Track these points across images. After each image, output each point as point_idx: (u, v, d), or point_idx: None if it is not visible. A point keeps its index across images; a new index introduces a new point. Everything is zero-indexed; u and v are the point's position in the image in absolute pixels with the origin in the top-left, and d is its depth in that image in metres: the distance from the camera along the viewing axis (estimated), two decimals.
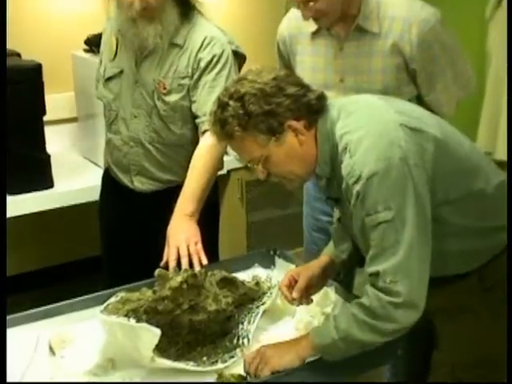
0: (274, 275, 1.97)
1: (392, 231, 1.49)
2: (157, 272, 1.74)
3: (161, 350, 1.63)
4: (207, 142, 2.06)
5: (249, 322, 1.75)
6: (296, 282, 1.82)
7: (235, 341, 1.71)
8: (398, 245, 1.49)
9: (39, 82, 2.61)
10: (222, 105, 1.59)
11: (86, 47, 3.00)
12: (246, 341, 1.70)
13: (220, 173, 2.26)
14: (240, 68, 2.22)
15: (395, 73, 2.09)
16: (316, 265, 1.87)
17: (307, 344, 1.61)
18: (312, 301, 1.83)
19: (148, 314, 1.65)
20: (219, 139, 1.65)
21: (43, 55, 2.81)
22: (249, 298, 1.82)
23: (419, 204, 1.50)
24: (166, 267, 1.87)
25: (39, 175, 2.70)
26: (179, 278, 1.67)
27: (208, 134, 2.02)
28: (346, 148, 1.55)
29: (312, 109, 1.61)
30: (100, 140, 2.57)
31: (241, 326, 1.75)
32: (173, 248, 1.92)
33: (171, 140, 2.18)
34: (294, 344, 1.64)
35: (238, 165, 2.98)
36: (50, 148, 2.75)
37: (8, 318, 1.68)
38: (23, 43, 2.92)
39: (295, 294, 1.80)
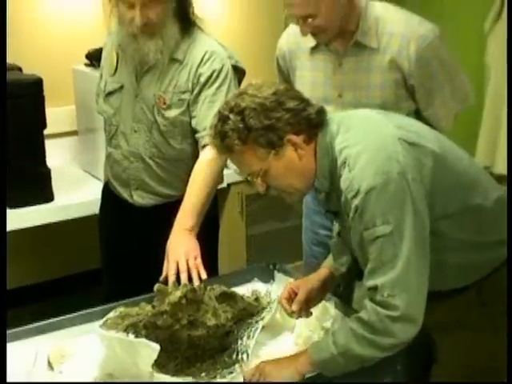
0: (274, 290, 1.98)
1: (390, 245, 1.50)
2: (156, 287, 1.74)
3: (160, 365, 1.63)
4: (207, 157, 2.07)
5: (248, 337, 1.75)
6: (295, 294, 1.83)
7: (234, 356, 1.71)
8: (395, 259, 1.49)
9: (40, 96, 2.63)
10: (222, 118, 1.61)
11: (86, 61, 3.02)
12: (245, 356, 1.70)
13: (220, 186, 2.26)
14: (240, 82, 2.23)
15: (394, 88, 2.10)
16: (315, 278, 1.88)
17: (306, 359, 1.61)
18: (311, 313, 1.84)
19: (147, 329, 1.65)
20: (219, 152, 1.67)
21: (44, 69, 2.83)
22: (248, 312, 1.82)
23: (417, 218, 1.51)
24: (166, 281, 1.87)
25: (39, 189, 2.71)
26: (178, 293, 1.68)
27: (208, 148, 2.04)
28: (345, 162, 1.56)
29: (312, 123, 1.62)
30: (100, 153, 2.58)
31: (240, 342, 1.74)
32: (172, 262, 1.92)
33: (171, 155, 2.19)
34: (293, 359, 1.64)
35: (238, 178, 2.99)
36: (51, 161, 2.76)
37: (7, 332, 1.68)
38: (24, 57, 2.94)
39: (294, 307, 1.80)
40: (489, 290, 1.68)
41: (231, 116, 1.59)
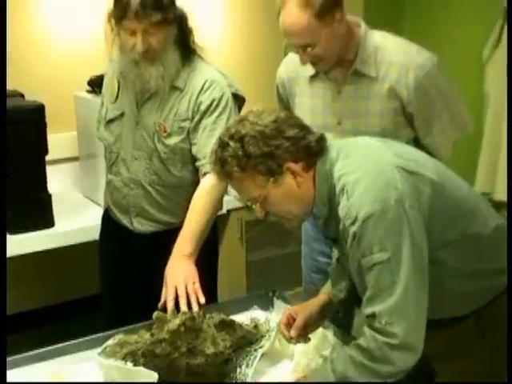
0: (273, 317, 1.97)
1: (387, 272, 1.50)
2: (155, 315, 1.74)
3: None
4: (208, 184, 2.09)
5: (247, 366, 1.74)
6: (294, 320, 1.83)
7: None
8: (393, 286, 1.49)
9: (42, 122, 2.65)
10: (222, 144, 1.62)
11: (88, 88, 3.04)
12: None
13: (220, 212, 2.27)
14: (239, 110, 2.25)
15: (392, 116, 2.12)
16: (314, 303, 1.88)
17: None
18: (309, 339, 1.83)
19: (146, 358, 1.65)
20: (219, 178, 1.68)
21: (46, 96, 2.85)
22: (247, 340, 1.81)
23: (415, 246, 1.51)
24: (165, 307, 1.88)
25: (40, 214, 2.71)
26: (177, 321, 1.68)
27: (209, 175, 2.06)
28: (343, 189, 1.57)
29: (311, 151, 1.63)
30: (101, 179, 2.59)
31: (239, 370, 1.74)
32: (171, 288, 1.93)
33: (171, 182, 2.20)
34: None
35: (238, 204, 3.00)
36: (52, 187, 2.77)
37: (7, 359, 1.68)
38: (27, 84, 2.96)
39: (293, 333, 1.80)
40: (488, 319, 1.68)
41: (231, 143, 1.60)
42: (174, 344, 1.66)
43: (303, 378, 1.68)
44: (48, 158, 2.73)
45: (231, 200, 2.78)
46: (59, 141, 3.14)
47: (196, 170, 2.17)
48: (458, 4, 3.28)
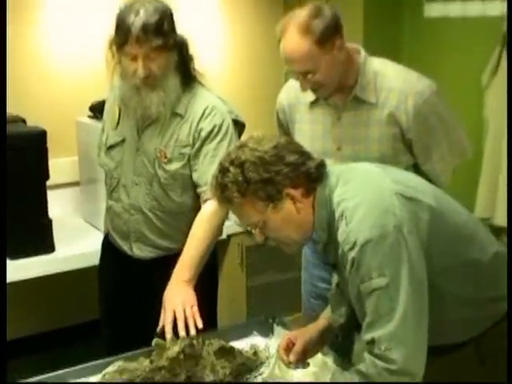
0: (272, 344, 1.97)
1: (386, 298, 1.50)
2: (154, 342, 1.74)
3: None
4: (208, 210, 2.10)
5: None
6: (293, 345, 1.83)
7: None
8: (392, 312, 1.49)
9: (43, 148, 2.66)
10: (222, 170, 1.63)
11: (90, 114, 3.06)
12: None
13: (220, 237, 2.27)
14: (240, 136, 2.26)
15: (391, 142, 2.13)
16: (313, 328, 1.89)
17: None
18: (308, 364, 1.83)
19: None
20: (219, 203, 1.69)
21: (48, 121, 2.88)
22: (247, 367, 1.81)
23: (414, 271, 1.51)
24: (163, 332, 1.87)
25: (40, 240, 2.71)
26: (176, 348, 1.67)
27: (210, 201, 2.07)
28: (342, 215, 1.57)
29: (311, 177, 1.64)
30: (102, 204, 2.59)
31: None
32: (169, 312, 1.93)
33: (171, 208, 2.20)
34: None
35: (239, 229, 3.00)
36: (52, 211, 2.77)
37: None
38: (29, 109, 2.99)
39: (292, 358, 1.80)
40: (488, 346, 1.68)
41: (231, 168, 1.61)
42: (173, 371, 1.66)
43: None
44: (49, 182, 2.74)
45: (232, 225, 2.78)
46: (60, 166, 3.16)
47: (196, 196, 2.18)
48: (457, 31, 3.31)
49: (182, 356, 1.67)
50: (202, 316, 1.94)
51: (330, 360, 1.89)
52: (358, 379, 1.53)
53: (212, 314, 2.34)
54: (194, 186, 2.17)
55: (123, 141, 2.23)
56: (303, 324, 2.01)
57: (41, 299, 3.29)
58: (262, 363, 1.84)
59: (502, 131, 2.99)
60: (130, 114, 2.21)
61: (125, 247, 2.29)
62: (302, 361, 1.81)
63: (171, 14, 2.09)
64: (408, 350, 1.49)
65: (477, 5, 3.19)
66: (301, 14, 2.01)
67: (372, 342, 1.51)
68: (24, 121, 2.86)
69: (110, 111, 2.31)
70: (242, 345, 1.92)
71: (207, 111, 2.14)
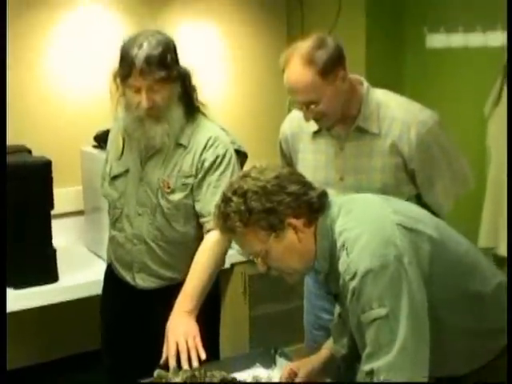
0: (275, 375, 1.96)
1: (386, 329, 1.50)
2: (156, 373, 1.73)
3: None
4: (211, 239, 2.10)
5: None
6: (295, 375, 1.82)
7: None
8: (392, 343, 1.49)
9: (48, 177, 2.67)
10: (225, 200, 1.64)
11: (94, 143, 3.08)
12: None
13: (223, 266, 2.27)
14: (242, 165, 2.28)
15: (394, 172, 2.14)
16: (316, 359, 1.89)
17: None
18: None
19: None
20: (222, 232, 1.70)
21: (53, 150, 2.90)
22: None
23: (414, 302, 1.51)
24: (167, 363, 1.87)
25: (44, 270, 2.71)
26: (179, 380, 1.66)
27: (213, 232, 2.07)
28: (343, 245, 1.58)
29: (313, 207, 1.65)
30: (105, 234, 2.59)
31: None
32: (172, 343, 1.93)
33: (174, 238, 2.21)
34: None
35: (242, 258, 3.00)
36: (56, 240, 2.77)
37: None
38: (34, 139, 3.02)
39: None
40: (488, 379, 1.66)
41: (234, 198, 1.62)
42: None
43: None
44: (53, 211, 2.75)
45: (234, 254, 2.77)
46: (65, 195, 3.17)
47: (199, 226, 2.19)
48: (459, 61, 3.33)
49: None
50: (204, 347, 1.94)
51: None
52: None
53: (214, 343, 2.32)
54: (197, 216, 2.18)
55: (127, 171, 2.24)
56: (305, 355, 2.01)
57: (43, 328, 3.28)
58: None
59: (504, 161, 3.00)
60: (134, 145, 2.22)
61: (127, 277, 2.29)
62: None
63: (174, 46, 2.11)
64: (407, 381, 1.48)
65: (478, 36, 3.21)
66: (304, 45, 2.03)
67: (371, 373, 1.51)
68: (29, 151, 2.88)
69: (114, 142, 2.32)
70: (244, 376, 1.91)
71: (210, 142, 2.16)
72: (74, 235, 3.28)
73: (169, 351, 1.92)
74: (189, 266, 2.10)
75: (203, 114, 2.23)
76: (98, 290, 2.54)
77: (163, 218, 2.19)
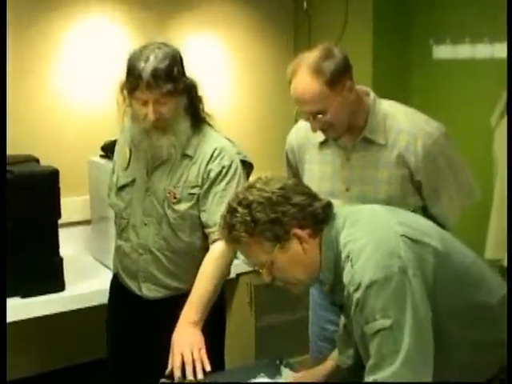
0: None
1: (390, 340, 1.50)
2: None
3: None
4: (217, 250, 2.11)
5: None
6: None
7: None
8: (395, 354, 1.49)
9: (56, 187, 2.67)
10: (231, 210, 1.65)
11: (102, 153, 3.10)
12: None
13: (229, 277, 2.26)
14: (248, 176, 2.29)
15: (400, 183, 2.14)
16: (321, 370, 1.90)
17: None
18: None
19: None
20: (227, 243, 1.72)
21: (61, 160, 2.91)
22: None
23: (417, 314, 1.51)
24: (172, 374, 1.87)
25: (51, 279, 2.71)
26: None
27: (218, 242, 2.08)
28: (348, 256, 1.58)
29: (317, 218, 1.65)
30: (112, 243, 2.60)
31: None
32: (177, 355, 1.94)
33: (180, 247, 2.21)
34: None
35: (247, 269, 3.00)
36: (63, 249, 2.78)
37: None
38: (42, 149, 3.04)
39: None
40: None
41: (239, 209, 1.63)
42: None
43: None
44: (60, 221, 2.76)
45: (240, 264, 2.78)
46: (72, 204, 3.18)
47: (204, 236, 2.19)
48: (465, 73, 3.33)
49: None
50: (209, 358, 1.94)
51: None
52: None
53: (220, 354, 2.33)
54: (203, 226, 2.18)
55: (133, 181, 2.25)
56: (310, 366, 2.01)
57: (49, 337, 3.28)
58: None
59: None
60: (140, 156, 2.23)
61: (133, 287, 2.29)
62: None
63: (181, 58, 2.12)
64: None
65: (485, 47, 3.22)
66: (311, 56, 2.04)
67: None
68: (37, 160, 2.89)
69: (121, 152, 2.33)
70: None
71: (216, 153, 2.17)
72: (80, 244, 3.29)
73: (174, 363, 1.93)
74: (194, 276, 2.10)
75: (209, 125, 2.24)
76: (103, 299, 2.55)
77: (169, 228, 2.19)
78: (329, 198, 1.74)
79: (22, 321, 2.60)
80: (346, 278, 1.57)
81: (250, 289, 3.23)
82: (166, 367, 1.93)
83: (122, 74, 2.10)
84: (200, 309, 2.03)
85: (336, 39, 3.40)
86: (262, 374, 2.07)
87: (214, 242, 2.13)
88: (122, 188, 2.28)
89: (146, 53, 2.04)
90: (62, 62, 3.23)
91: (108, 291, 2.48)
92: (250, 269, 2.94)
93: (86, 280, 2.93)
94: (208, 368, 1.90)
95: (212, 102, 2.28)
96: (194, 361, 1.92)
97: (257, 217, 1.61)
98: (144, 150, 2.19)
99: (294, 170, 2.38)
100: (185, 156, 2.19)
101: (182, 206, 2.18)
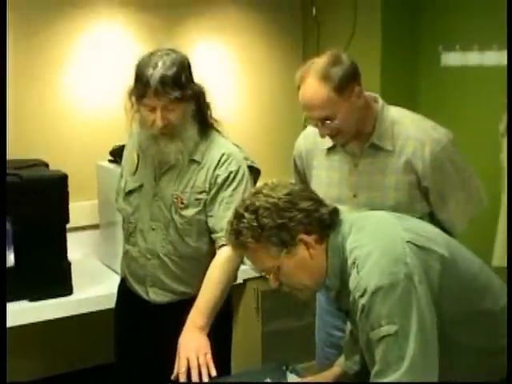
0: None
1: (395, 346, 1.50)
2: None
3: None
4: (223, 255, 2.12)
5: None
6: None
7: None
8: (400, 361, 1.49)
9: (64, 192, 2.69)
10: (237, 216, 1.66)
11: (110, 158, 3.11)
12: None
13: (236, 282, 2.28)
14: (255, 181, 2.30)
15: (408, 189, 2.14)
16: (328, 376, 1.90)
17: None
18: None
19: None
20: (234, 248, 1.73)
21: (70, 165, 2.92)
22: None
23: (423, 320, 1.51)
24: (177, 379, 1.88)
25: (59, 283, 2.72)
26: None
27: (225, 247, 2.08)
28: (354, 263, 1.59)
29: (324, 224, 1.66)
30: (120, 247, 2.61)
31: None
32: (183, 359, 1.94)
33: (187, 252, 2.22)
34: None
35: (254, 274, 2.99)
36: (71, 254, 2.79)
37: None
38: (51, 153, 3.05)
39: None
40: None
41: (246, 214, 1.64)
42: None
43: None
44: (68, 225, 2.77)
45: (247, 269, 2.78)
46: (80, 209, 3.19)
47: (211, 242, 2.20)
48: (473, 80, 3.33)
49: None
50: (216, 363, 1.94)
51: None
52: None
53: (226, 360, 2.33)
54: (210, 231, 2.19)
55: (141, 186, 2.26)
56: (317, 372, 2.01)
57: (57, 341, 3.29)
58: None
59: None
60: (148, 161, 2.24)
61: (141, 291, 2.30)
62: None
63: (189, 65, 2.13)
64: None
65: (493, 54, 3.21)
66: (320, 62, 2.05)
67: None
68: (46, 165, 2.91)
69: (129, 157, 2.34)
70: None
71: (223, 158, 2.17)
72: (88, 249, 3.30)
73: (179, 367, 1.94)
74: (201, 281, 2.11)
75: (217, 131, 2.25)
76: (111, 303, 2.56)
77: (176, 233, 2.20)
78: (336, 204, 1.74)
79: (28, 324, 2.60)
80: (351, 284, 1.58)
81: (257, 294, 3.23)
82: (172, 371, 1.93)
83: (130, 80, 2.11)
84: (206, 314, 2.04)
85: (345, 46, 3.41)
86: (268, 379, 2.07)
87: (220, 247, 2.13)
88: (129, 193, 2.29)
89: (154, 59, 2.05)
90: (72, 67, 3.25)
91: (115, 295, 2.49)
92: (257, 274, 2.93)
93: (94, 284, 2.93)
94: (213, 373, 1.91)
95: (220, 107, 2.29)
96: (199, 365, 1.92)
97: (263, 222, 1.62)
98: (152, 155, 2.20)
99: (302, 176, 2.38)
100: (192, 161, 2.19)
101: (190, 212, 2.18)
